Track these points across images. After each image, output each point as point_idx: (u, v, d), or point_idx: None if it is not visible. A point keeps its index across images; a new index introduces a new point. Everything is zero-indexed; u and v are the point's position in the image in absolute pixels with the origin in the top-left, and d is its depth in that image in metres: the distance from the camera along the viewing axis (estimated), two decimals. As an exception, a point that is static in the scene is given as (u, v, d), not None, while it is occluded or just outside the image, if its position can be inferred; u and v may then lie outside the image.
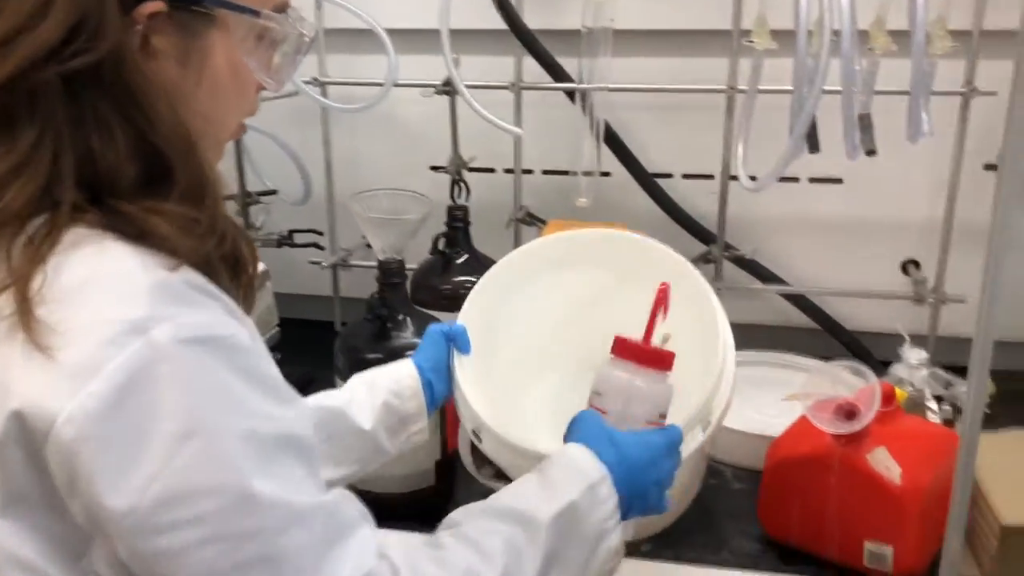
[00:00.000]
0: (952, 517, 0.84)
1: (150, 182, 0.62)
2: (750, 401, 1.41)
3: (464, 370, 0.99)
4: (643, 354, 0.84)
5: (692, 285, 1.02)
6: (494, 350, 1.04)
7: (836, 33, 1.13)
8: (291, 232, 1.62)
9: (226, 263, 0.65)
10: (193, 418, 0.56)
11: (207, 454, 0.56)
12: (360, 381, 0.98)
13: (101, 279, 0.59)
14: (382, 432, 0.95)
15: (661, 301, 0.85)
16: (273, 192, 1.60)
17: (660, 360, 0.85)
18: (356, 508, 0.67)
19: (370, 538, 0.65)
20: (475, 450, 1.01)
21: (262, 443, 0.59)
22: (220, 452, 0.57)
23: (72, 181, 0.60)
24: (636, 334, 0.86)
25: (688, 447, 0.88)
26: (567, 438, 0.82)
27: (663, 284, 0.86)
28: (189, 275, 0.61)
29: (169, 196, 0.62)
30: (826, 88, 1.15)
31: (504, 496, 0.76)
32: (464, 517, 0.73)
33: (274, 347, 1.53)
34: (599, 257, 1.10)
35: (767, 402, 1.38)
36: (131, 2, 0.62)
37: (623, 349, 0.85)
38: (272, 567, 0.57)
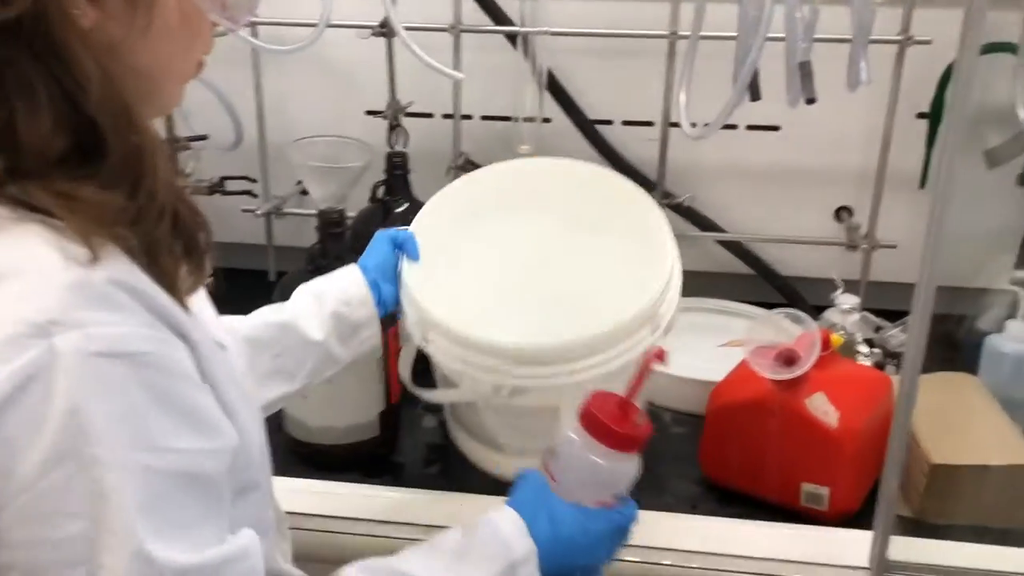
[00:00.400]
0: (890, 458, 0.87)
1: (81, 155, 0.56)
2: (688, 347, 1.42)
3: (413, 275, 1.00)
4: (610, 435, 0.75)
5: (641, 205, 1.12)
6: (444, 266, 1.04)
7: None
8: (223, 179, 1.57)
9: (173, 240, 0.60)
10: (78, 440, 0.50)
11: (82, 482, 0.50)
12: (307, 291, 0.98)
13: (13, 270, 0.53)
14: (334, 341, 0.96)
15: (645, 369, 0.76)
16: (203, 137, 1.53)
17: (629, 442, 0.76)
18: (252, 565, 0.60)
19: None
20: (417, 370, 1.04)
21: (155, 480, 0.52)
22: (97, 482, 0.51)
23: None
24: (609, 402, 0.77)
25: (636, 348, 0.95)
26: (508, 496, 0.77)
27: (654, 351, 0.78)
28: (119, 271, 0.55)
29: (99, 173, 0.56)
30: (769, 36, 1.15)
31: (413, 562, 0.71)
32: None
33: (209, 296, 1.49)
34: (549, 186, 1.14)
35: (705, 348, 1.40)
36: None
37: (593, 425, 0.75)
38: None
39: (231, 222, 1.64)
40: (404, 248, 1.00)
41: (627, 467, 0.76)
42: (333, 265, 1.11)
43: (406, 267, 1.01)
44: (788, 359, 1.06)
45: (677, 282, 1.04)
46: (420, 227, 1.06)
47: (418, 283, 1.00)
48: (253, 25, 1.52)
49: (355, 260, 1.15)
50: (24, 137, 0.54)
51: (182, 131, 1.53)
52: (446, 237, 1.07)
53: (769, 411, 1.08)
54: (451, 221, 1.09)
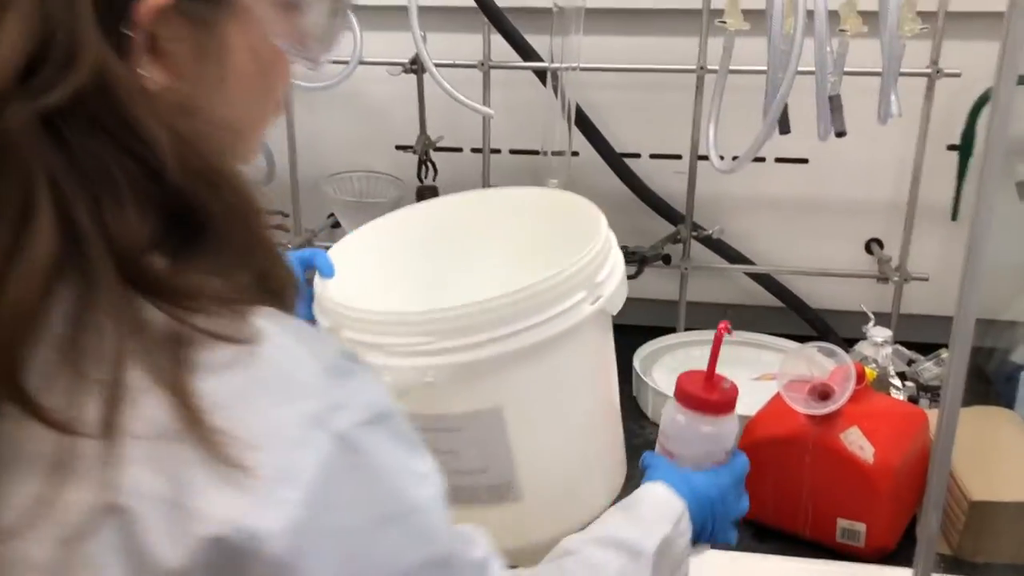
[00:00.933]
0: (929, 495, 0.85)
1: (179, 236, 0.49)
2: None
3: (326, 286, 0.92)
4: (707, 404, 0.85)
5: (584, 211, 1.01)
6: (361, 283, 0.97)
7: (809, 14, 1.13)
8: (255, 212, 1.59)
9: (276, 293, 0.54)
10: (392, 501, 0.51)
11: (412, 533, 0.52)
12: None
13: (260, 370, 0.48)
14: None
15: (718, 341, 0.86)
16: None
17: (724, 406, 0.86)
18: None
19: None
20: None
21: (442, 502, 0.54)
22: (423, 527, 0.52)
23: (99, 248, 0.45)
24: (695, 378, 0.86)
25: (574, 314, 0.85)
26: (643, 480, 0.84)
27: (721, 324, 0.86)
28: (337, 343, 0.53)
29: (205, 248, 0.50)
30: (798, 69, 1.15)
31: (608, 528, 0.78)
32: (579, 546, 0.74)
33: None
34: (488, 215, 1.07)
35: (736, 381, 1.39)
36: (121, 2, 0.48)
37: (691, 401, 0.85)
38: None
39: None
40: (315, 265, 0.95)
41: (730, 426, 0.87)
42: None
43: (318, 282, 0.94)
44: (822, 393, 1.05)
45: (619, 263, 0.95)
46: (340, 252, 0.99)
47: (330, 290, 0.92)
48: (286, 62, 1.54)
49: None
50: (114, 231, 0.46)
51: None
52: (371, 262, 1.00)
53: (803, 446, 1.07)
54: (377, 249, 1.03)
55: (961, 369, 0.81)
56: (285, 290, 0.54)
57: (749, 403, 1.19)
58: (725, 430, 0.87)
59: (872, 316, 1.37)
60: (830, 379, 1.06)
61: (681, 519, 0.79)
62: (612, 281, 0.92)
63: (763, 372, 1.37)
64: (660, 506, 0.80)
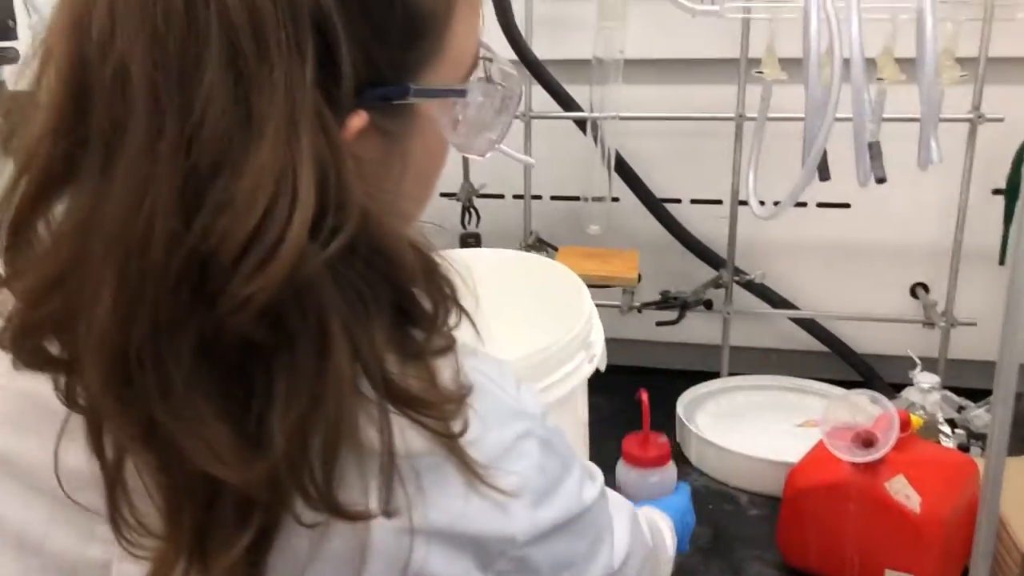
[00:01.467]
0: (978, 546, 0.84)
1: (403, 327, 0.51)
2: (764, 427, 1.42)
3: None
4: (648, 460, 1.12)
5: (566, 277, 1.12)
6: None
7: (845, 62, 1.14)
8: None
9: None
10: (580, 474, 0.60)
11: (625, 528, 0.67)
12: None
13: (482, 400, 0.52)
14: None
15: (645, 405, 1.12)
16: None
17: (662, 459, 1.12)
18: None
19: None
20: None
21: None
22: (630, 525, 0.67)
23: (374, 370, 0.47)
24: (635, 440, 1.13)
25: (577, 375, 0.96)
26: None
27: (641, 391, 1.11)
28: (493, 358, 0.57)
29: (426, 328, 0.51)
30: (837, 116, 1.16)
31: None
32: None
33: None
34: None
35: (781, 428, 1.39)
36: (339, 126, 0.47)
37: (632, 459, 1.12)
38: None
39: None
40: None
41: (671, 472, 1.14)
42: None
43: None
44: (866, 441, 1.04)
45: (600, 327, 1.06)
46: None
47: None
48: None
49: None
50: (377, 351, 0.47)
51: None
52: None
53: (848, 495, 1.06)
54: None
55: (1006, 416, 0.81)
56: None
57: (793, 450, 1.19)
58: (667, 476, 1.13)
59: (919, 361, 1.36)
60: (874, 426, 1.05)
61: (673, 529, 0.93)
62: (599, 342, 1.03)
63: (807, 418, 1.36)
64: (660, 516, 0.94)
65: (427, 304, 0.51)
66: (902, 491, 1.03)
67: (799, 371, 1.54)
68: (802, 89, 1.18)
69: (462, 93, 0.55)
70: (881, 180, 1.22)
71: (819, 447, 1.12)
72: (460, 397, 0.50)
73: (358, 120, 0.48)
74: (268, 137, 0.43)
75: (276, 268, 0.42)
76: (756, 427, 1.42)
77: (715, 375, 1.57)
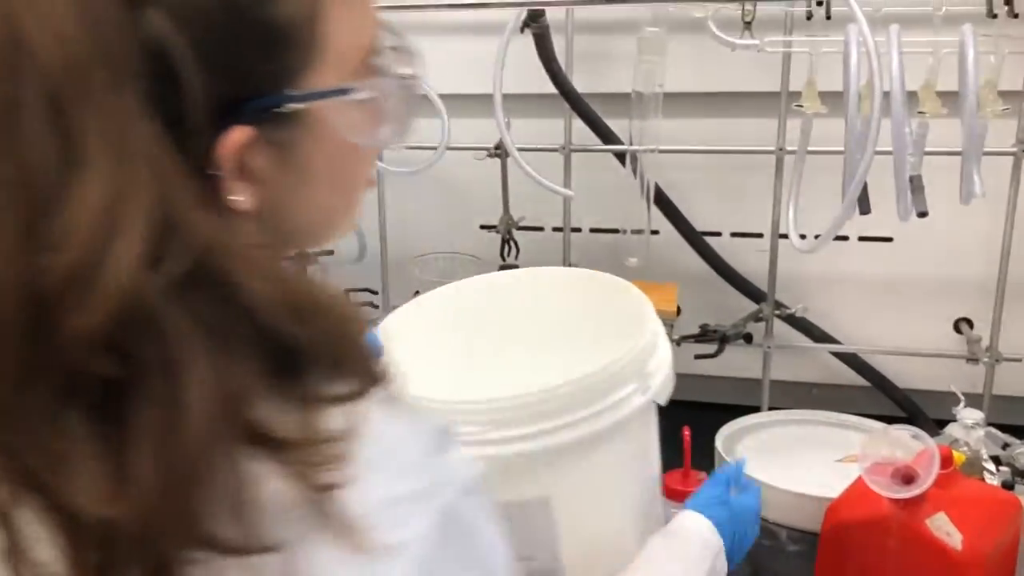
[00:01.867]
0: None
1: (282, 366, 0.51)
2: (804, 462, 1.40)
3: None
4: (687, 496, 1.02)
5: (632, 297, 1.02)
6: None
7: (886, 95, 1.14)
8: (346, 291, 1.65)
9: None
10: (486, 565, 0.54)
11: None
12: None
13: (368, 451, 0.50)
14: None
15: (687, 442, 1.14)
16: (330, 252, 1.63)
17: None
18: None
19: None
20: None
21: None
22: None
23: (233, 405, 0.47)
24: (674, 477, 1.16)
25: (625, 406, 0.87)
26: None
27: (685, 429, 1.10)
28: (431, 417, 0.55)
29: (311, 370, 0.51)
30: (877, 150, 1.16)
31: (654, 568, 0.87)
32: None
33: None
34: (533, 296, 1.08)
35: (822, 463, 1.37)
36: (200, 147, 0.48)
37: (673, 494, 1.10)
38: None
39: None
40: None
41: None
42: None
43: None
44: (906, 477, 1.03)
45: (666, 353, 0.95)
46: (388, 327, 1.00)
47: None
48: (378, 148, 1.63)
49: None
50: (225, 392, 0.46)
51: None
52: (416, 338, 0.99)
53: (888, 531, 1.04)
54: (422, 325, 1.03)
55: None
56: (383, 381, 0.54)
57: (833, 486, 1.17)
58: None
59: (963, 397, 1.34)
60: (914, 462, 1.04)
61: (719, 555, 0.88)
62: (661, 372, 0.93)
63: (847, 454, 1.34)
64: (702, 542, 0.88)
65: (323, 348, 0.50)
66: (943, 528, 1.02)
67: (842, 406, 1.52)
68: (843, 122, 1.19)
69: (344, 92, 0.54)
70: (923, 214, 1.22)
71: (859, 483, 1.11)
72: (340, 446, 0.48)
73: (239, 134, 0.49)
74: (95, 171, 0.44)
75: (99, 299, 0.43)
76: (796, 462, 1.41)
77: (755, 409, 1.56)
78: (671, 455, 1.13)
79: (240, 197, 0.51)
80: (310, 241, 0.60)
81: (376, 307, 1.69)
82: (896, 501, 1.04)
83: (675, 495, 1.10)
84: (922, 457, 1.05)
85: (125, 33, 0.46)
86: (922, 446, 1.06)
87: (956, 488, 1.08)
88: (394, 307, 1.68)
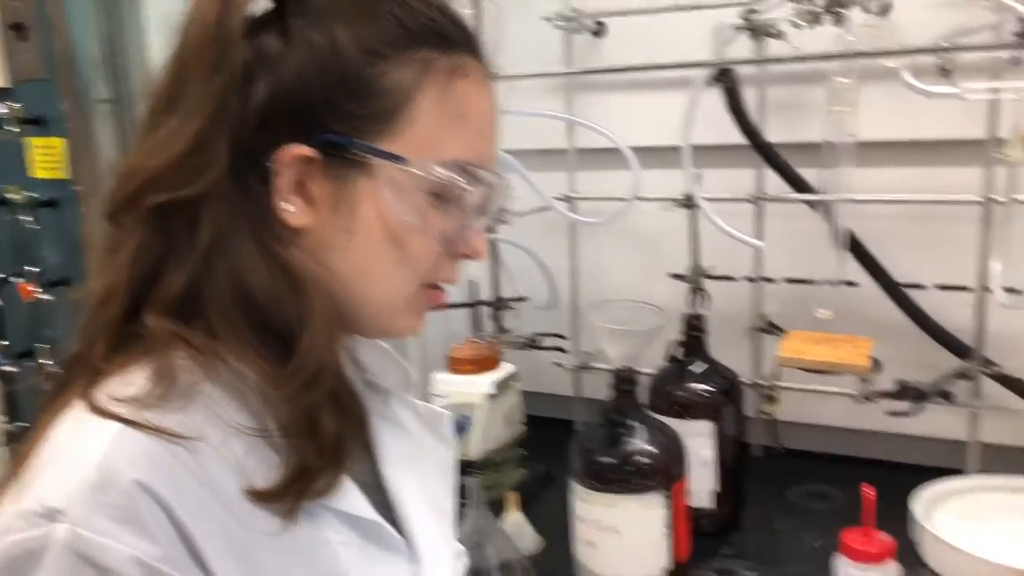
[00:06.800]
0: None
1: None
2: (1011, 530, 1.30)
3: None
4: (865, 556, 1.08)
5: None
6: None
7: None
8: (536, 335, 1.73)
9: (326, 408, 0.62)
10: None
11: None
12: None
13: (58, 443, 0.58)
14: None
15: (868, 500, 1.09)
16: (523, 299, 1.71)
17: (880, 556, 1.08)
18: None
19: None
20: None
21: None
22: None
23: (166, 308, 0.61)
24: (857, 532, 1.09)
25: None
26: None
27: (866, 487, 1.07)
28: (157, 476, 0.54)
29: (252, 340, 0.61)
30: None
31: None
32: None
33: (519, 443, 1.62)
34: None
35: (1030, 534, 1.27)
36: (263, 144, 0.62)
37: (848, 551, 1.09)
38: None
39: (544, 375, 1.78)
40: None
41: (892, 570, 1.10)
42: (625, 420, 1.19)
43: None
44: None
45: None
46: None
47: None
48: (571, 200, 1.69)
49: (646, 417, 1.22)
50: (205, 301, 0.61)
51: (507, 292, 1.73)
52: None
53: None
54: None
55: None
56: (342, 398, 0.64)
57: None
58: (887, 574, 1.09)
59: None
60: None
61: None
62: None
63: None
64: None
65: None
66: None
67: (1062, 474, 1.40)
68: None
69: (398, 159, 0.62)
70: None
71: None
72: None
73: (299, 150, 0.62)
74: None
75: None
76: (1000, 530, 1.31)
77: (958, 471, 1.46)
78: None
79: (291, 207, 0.63)
80: (348, 296, 0.65)
81: (565, 351, 1.75)
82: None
83: (853, 554, 1.07)
84: None
85: (239, 47, 0.61)
86: None
87: None
88: (583, 352, 1.74)
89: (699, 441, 1.34)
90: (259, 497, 0.58)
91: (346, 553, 0.63)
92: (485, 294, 1.70)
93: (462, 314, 1.68)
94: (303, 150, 0.62)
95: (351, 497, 0.65)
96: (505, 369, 1.58)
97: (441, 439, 0.82)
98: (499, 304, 1.70)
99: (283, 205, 0.63)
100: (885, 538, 1.08)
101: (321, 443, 0.60)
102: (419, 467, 0.77)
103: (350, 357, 0.71)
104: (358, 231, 0.64)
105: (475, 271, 1.71)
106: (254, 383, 0.60)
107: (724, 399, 1.39)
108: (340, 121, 0.62)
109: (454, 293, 1.73)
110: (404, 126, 0.63)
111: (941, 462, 1.49)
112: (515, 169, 1.59)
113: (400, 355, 0.80)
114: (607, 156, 1.55)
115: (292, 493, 0.59)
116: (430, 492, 0.77)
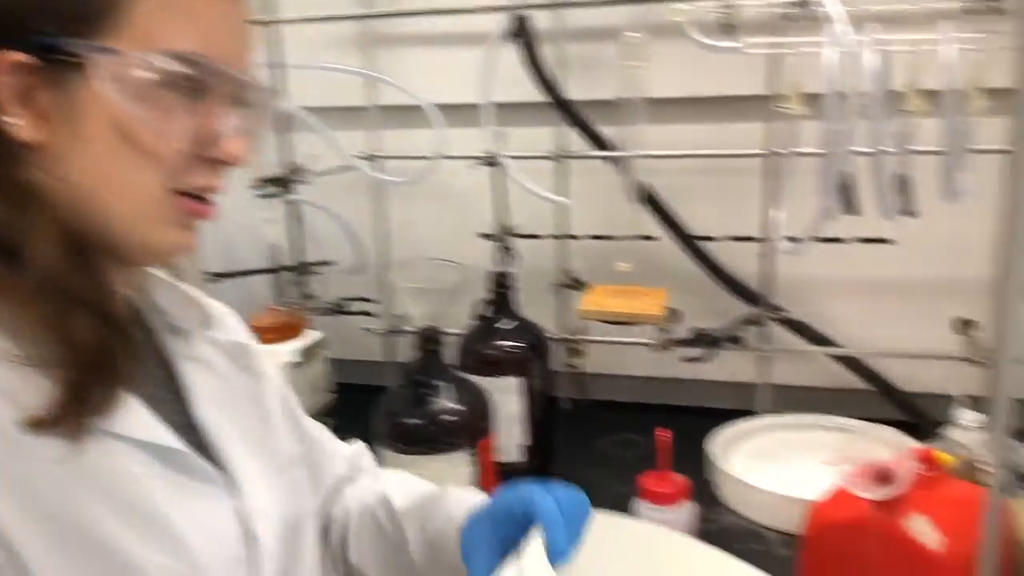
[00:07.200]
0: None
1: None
2: (799, 465, 1.39)
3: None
4: (661, 497, 1.17)
5: None
6: None
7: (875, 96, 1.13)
8: (343, 300, 1.68)
9: (77, 315, 0.60)
10: None
11: None
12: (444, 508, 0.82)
13: None
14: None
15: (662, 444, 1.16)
16: (328, 263, 1.66)
17: (674, 496, 1.17)
18: None
19: None
20: None
21: None
22: None
23: None
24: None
25: None
26: None
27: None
28: None
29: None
30: (863, 150, 1.15)
31: None
32: None
33: (329, 412, 1.58)
34: None
35: (813, 466, 1.35)
36: None
37: (646, 495, 1.17)
38: None
39: (353, 341, 1.74)
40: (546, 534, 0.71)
41: (687, 510, 1.18)
42: (430, 380, 1.17)
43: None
44: (883, 477, 1.02)
45: None
46: None
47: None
48: (375, 159, 1.65)
49: (452, 375, 1.20)
50: None
51: (311, 256, 1.67)
52: None
53: (867, 532, 1.03)
54: None
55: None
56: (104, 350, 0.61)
57: (821, 487, 1.16)
58: (682, 514, 1.17)
59: (966, 400, 1.31)
60: (892, 462, 1.03)
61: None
62: None
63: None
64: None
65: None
66: (922, 530, 1.00)
67: (843, 410, 1.50)
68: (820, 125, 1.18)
69: (114, 52, 0.58)
70: (909, 214, 1.21)
71: (840, 484, 1.10)
72: None
73: (12, 56, 0.58)
74: None
75: None
76: (791, 466, 1.39)
77: (752, 413, 1.55)
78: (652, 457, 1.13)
79: (19, 121, 0.59)
80: (93, 209, 0.62)
81: (373, 315, 1.71)
82: (876, 503, 1.03)
83: (650, 496, 1.11)
84: (900, 457, 1.03)
85: None
86: (906, 447, 1.05)
87: (940, 490, 1.06)
88: (392, 315, 1.71)
89: (507, 397, 1.35)
90: (36, 425, 0.57)
91: (151, 484, 0.62)
92: (287, 259, 1.64)
93: (263, 281, 1.61)
94: (17, 56, 0.58)
95: (140, 421, 0.63)
96: (310, 336, 1.53)
97: (249, 371, 0.80)
98: (302, 269, 1.64)
99: (8, 120, 0.59)
100: (678, 479, 1.12)
101: (78, 352, 0.59)
102: (231, 402, 0.76)
103: (148, 301, 0.72)
104: (92, 137, 0.60)
105: (276, 235, 1.65)
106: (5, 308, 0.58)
107: (532, 354, 1.41)
108: (52, 22, 0.59)
109: (255, 259, 1.68)
110: (123, 22, 0.60)
111: (738, 404, 1.57)
112: (313, 127, 1.53)
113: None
114: (412, 114, 1.51)
115: (68, 414, 0.58)
116: (246, 426, 0.76)
